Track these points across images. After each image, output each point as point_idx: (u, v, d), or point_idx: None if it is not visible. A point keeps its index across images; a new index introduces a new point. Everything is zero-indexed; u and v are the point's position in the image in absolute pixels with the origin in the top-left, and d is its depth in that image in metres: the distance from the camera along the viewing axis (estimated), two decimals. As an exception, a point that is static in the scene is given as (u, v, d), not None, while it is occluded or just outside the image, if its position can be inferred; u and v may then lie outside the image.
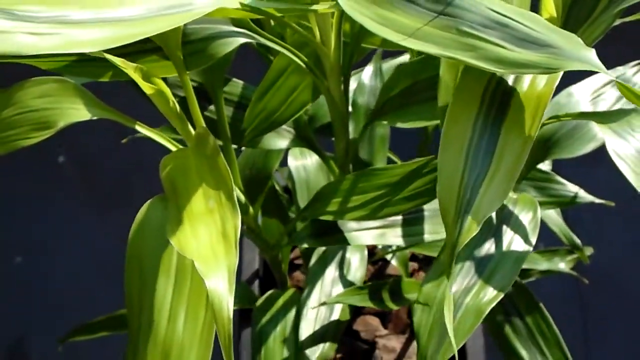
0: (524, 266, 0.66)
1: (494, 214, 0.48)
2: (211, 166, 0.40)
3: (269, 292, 0.66)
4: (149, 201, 0.43)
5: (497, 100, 0.38)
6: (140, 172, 1.10)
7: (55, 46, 0.34)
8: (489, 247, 0.45)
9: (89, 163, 1.15)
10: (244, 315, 0.72)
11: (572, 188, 0.62)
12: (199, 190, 0.39)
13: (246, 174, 0.62)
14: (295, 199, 0.67)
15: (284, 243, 0.61)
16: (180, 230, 0.36)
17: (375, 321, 0.75)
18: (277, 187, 0.71)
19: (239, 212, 0.37)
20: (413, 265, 0.77)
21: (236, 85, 0.61)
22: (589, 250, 0.74)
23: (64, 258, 1.09)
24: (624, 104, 0.60)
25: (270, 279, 0.74)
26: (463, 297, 0.43)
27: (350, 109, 0.66)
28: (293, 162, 0.67)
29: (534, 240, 0.46)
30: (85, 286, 1.06)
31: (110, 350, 0.85)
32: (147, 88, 0.44)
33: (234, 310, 0.71)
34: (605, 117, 0.44)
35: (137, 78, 0.43)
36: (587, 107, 0.58)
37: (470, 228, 0.36)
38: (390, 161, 0.73)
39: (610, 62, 0.51)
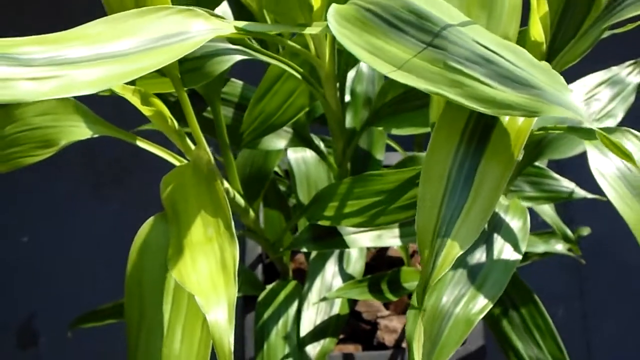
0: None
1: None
2: (210, 192, 0.42)
3: (271, 285, 0.68)
4: (149, 220, 0.44)
5: (478, 132, 0.39)
6: (136, 157, 1.12)
7: (54, 91, 0.36)
8: (480, 254, 0.47)
9: (89, 146, 1.17)
10: (248, 300, 0.74)
11: (565, 183, 0.63)
12: (198, 217, 0.41)
13: (246, 171, 0.64)
14: (296, 193, 0.68)
15: (284, 245, 0.63)
16: (181, 261, 0.38)
17: (377, 302, 0.77)
18: (279, 171, 0.73)
19: (236, 241, 0.39)
20: (413, 246, 0.79)
21: (235, 85, 0.62)
22: (586, 230, 0.76)
23: (68, 238, 1.11)
24: (617, 103, 0.61)
25: (273, 263, 0.76)
26: (453, 307, 0.45)
27: (348, 97, 0.67)
28: (292, 155, 0.69)
29: (523, 248, 0.48)
30: (89, 266, 1.09)
31: (115, 330, 0.87)
32: (145, 110, 0.45)
33: (238, 297, 0.73)
34: (590, 134, 0.45)
35: (135, 102, 0.45)
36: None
37: (443, 265, 0.37)
38: (389, 148, 0.75)
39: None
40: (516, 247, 0.47)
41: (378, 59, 0.39)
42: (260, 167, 0.64)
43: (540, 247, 0.72)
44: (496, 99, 0.36)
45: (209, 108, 0.61)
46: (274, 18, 0.55)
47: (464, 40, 0.38)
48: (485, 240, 0.47)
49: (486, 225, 0.49)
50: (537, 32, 0.45)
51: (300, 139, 0.62)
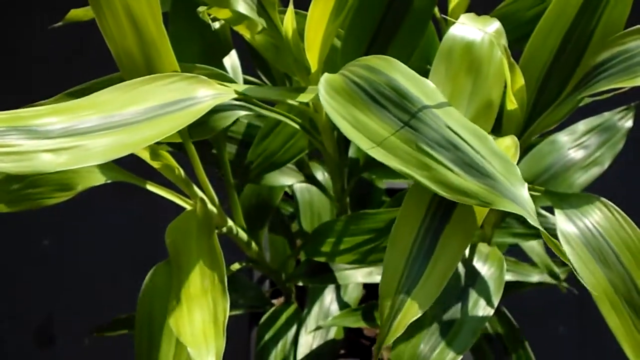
0: (517, 279, 0.74)
1: (462, 272, 0.54)
2: (209, 245, 0.47)
3: (273, 308, 0.73)
4: (155, 266, 0.50)
5: (442, 208, 0.44)
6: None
7: (69, 162, 0.41)
8: (454, 309, 0.52)
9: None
10: (254, 316, 0.80)
11: (552, 220, 0.68)
12: (197, 268, 0.46)
13: (252, 202, 0.69)
14: (299, 220, 0.74)
15: (288, 271, 0.68)
16: (179, 312, 0.44)
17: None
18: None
19: (227, 295, 0.44)
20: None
21: (240, 124, 0.67)
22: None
23: (89, 241, 1.17)
24: (605, 150, 0.66)
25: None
26: (430, 354, 0.50)
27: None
28: (297, 184, 0.74)
29: (496, 301, 0.53)
30: (108, 269, 1.15)
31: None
32: (155, 164, 0.51)
33: (246, 313, 0.79)
34: (562, 200, 0.50)
35: (145, 156, 0.51)
36: (569, 155, 0.64)
37: (397, 329, 0.42)
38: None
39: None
40: (489, 301, 0.52)
41: (360, 134, 0.44)
42: (265, 200, 0.69)
43: (535, 277, 0.77)
44: (457, 186, 0.41)
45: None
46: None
47: (437, 124, 0.43)
48: (460, 294, 0.52)
49: (463, 278, 0.54)
50: (512, 105, 0.50)
51: (303, 176, 0.67)
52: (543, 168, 0.64)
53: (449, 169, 0.41)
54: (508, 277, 0.72)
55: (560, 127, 0.66)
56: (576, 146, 0.65)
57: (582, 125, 0.66)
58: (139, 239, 1.16)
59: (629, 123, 0.66)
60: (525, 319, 1.03)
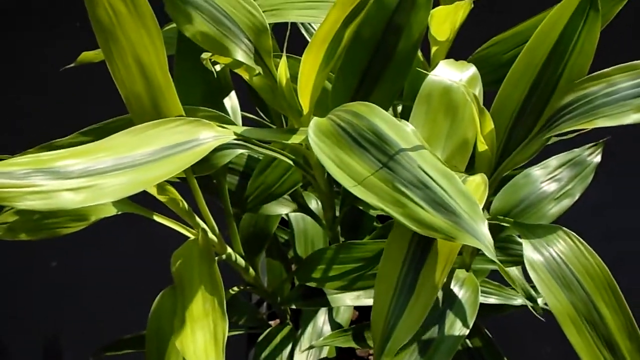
0: (501, 302, 0.79)
1: (441, 296, 0.60)
2: (209, 272, 0.53)
3: (269, 329, 0.79)
4: (163, 291, 0.56)
5: (421, 245, 0.51)
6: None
7: (87, 200, 0.47)
8: (433, 329, 0.58)
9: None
10: (252, 336, 0.86)
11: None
12: (199, 293, 0.52)
13: (250, 231, 0.76)
14: (294, 247, 0.80)
15: (284, 294, 0.74)
16: (183, 332, 0.50)
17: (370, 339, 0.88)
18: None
19: (226, 317, 0.50)
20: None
21: (241, 156, 0.74)
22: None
23: (96, 262, 1.23)
24: (576, 183, 0.72)
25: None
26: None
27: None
28: (293, 214, 0.80)
29: (471, 322, 0.58)
30: (114, 289, 1.21)
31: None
32: (162, 198, 0.57)
33: (244, 334, 0.85)
34: (529, 231, 0.56)
35: (153, 191, 0.57)
36: (542, 188, 0.70)
37: (390, 352, 0.49)
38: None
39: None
40: (464, 322, 0.58)
41: (343, 173, 0.50)
42: (262, 228, 0.75)
43: (518, 301, 0.83)
44: (427, 222, 0.47)
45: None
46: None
47: (411, 165, 0.49)
48: (439, 316, 0.58)
49: (441, 301, 0.60)
50: (483, 146, 0.56)
51: (298, 206, 0.73)
52: (518, 200, 0.70)
53: (420, 206, 0.47)
54: (492, 300, 0.78)
55: (535, 162, 0.73)
56: (549, 179, 0.71)
57: (554, 160, 0.72)
58: (143, 263, 1.22)
59: (597, 158, 0.72)
60: (511, 340, 1.09)
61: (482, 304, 0.79)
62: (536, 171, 0.71)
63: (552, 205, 0.70)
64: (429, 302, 0.50)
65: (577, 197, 0.71)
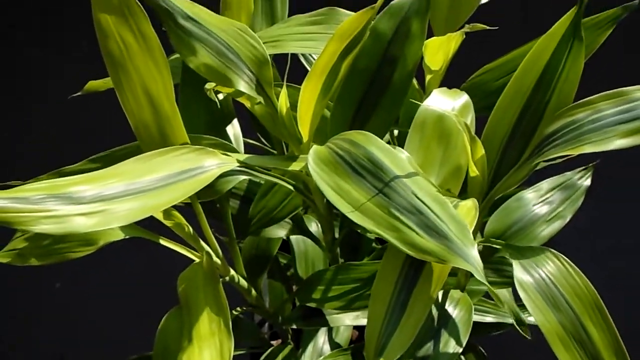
0: (497, 320, 0.82)
1: (436, 315, 0.63)
2: (214, 294, 0.56)
3: (271, 348, 0.82)
4: (169, 312, 0.59)
5: (414, 266, 0.53)
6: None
7: (98, 224, 0.50)
8: (428, 347, 0.60)
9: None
10: (255, 355, 0.89)
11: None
12: (205, 313, 0.55)
13: (252, 253, 0.78)
14: (295, 268, 0.83)
15: (285, 314, 0.77)
16: (191, 351, 0.53)
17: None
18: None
19: (232, 337, 0.53)
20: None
21: (243, 182, 0.76)
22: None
23: (102, 283, 1.26)
24: (567, 206, 0.75)
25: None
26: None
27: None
28: (294, 236, 0.83)
29: (464, 341, 0.61)
30: (118, 310, 1.24)
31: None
32: (168, 223, 0.60)
33: (247, 353, 0.88)
34: (519, 253, 0.59)
35: (159, 217, 0.60)
36: (534, 210, 0.73)
37: None
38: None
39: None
40: (458, 341, 0.61)
41: (341, 199, 0.53)
42: (264, 250, 0.78)
43: (511, 319, 0.85)
44: (420, 246, 0.50)
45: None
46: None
47: (406, 192, 0.52)
48: (434, 335, 0.61)
49: (436, 320, 0.63)
50: (474, 172, 0.59)
51: (298, 229, 0.76)
52: (511, 222, 0.73)
53: (414, 231, 0.50)
54: (489, 318, 0.81)
55: (527, 185, 0.76)
56: (541, 202, 0.74)
57: (546, 184, 0.75)
58: (148, 284, 1.25)
59: (587, 182, 0.75)
60: (506, 358, 1.12)
61: (478, 322, 0.83)
62: (528, 194, 0.74)
63: (543, 227, 0.73)
64: (420, 320, 0.52)
65: (568, 219, 0.74)
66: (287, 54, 0.70)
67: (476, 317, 0.81)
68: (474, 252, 0.49)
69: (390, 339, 0.52)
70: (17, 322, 1.25)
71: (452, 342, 0.61)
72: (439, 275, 0.53)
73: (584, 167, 0.77)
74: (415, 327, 0.52)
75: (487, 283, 0.50)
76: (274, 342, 0.88)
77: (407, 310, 0.53)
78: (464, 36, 0.68)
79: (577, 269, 0.59)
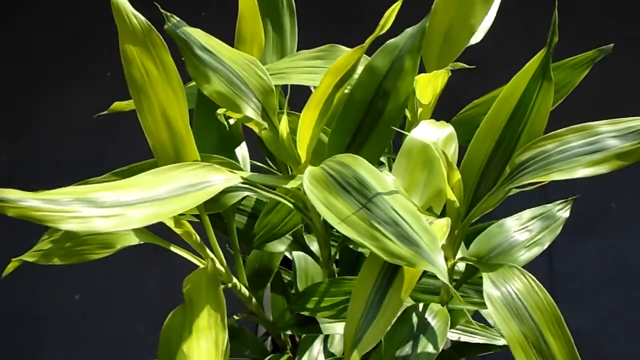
0: (485, 342, 0.90)
1: (415, 322, 0.71)
2: (215, 295, 0.64)
3: (269, 357, 0.90)
4: (174, 309, 0.67)
5: (389, 272, 0.62)
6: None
7: (116, 226, 0.58)
8: (407, 348, 0.68)
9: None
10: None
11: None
12: (205, 310, 0.63)
13: (255, 267, 0.87)
14: (295, 283, 0.91)
15: (279, 327, 0.85)
16: (190, 341, 0.61)
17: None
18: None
19: (226, 330, 0.61)
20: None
21: (250, 199, 0.85)
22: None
23: (115, 297, 1.35)
24: (545, 234, 0.82)
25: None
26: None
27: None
28: (296, 253, 0.91)
29: (441, 346, 0.69)
30: (132, 321, 1.32)
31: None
32: (177, 230, 0.69)
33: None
34: (490, 269, 0.67)
35: (170, 224, 0.68)
36: (514, 237, 0.81)
37: (355, 357, 0.59)
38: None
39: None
40: (435, 346, 0.68)
41: (330, 213, 0.61)
42: (266, 264, 0.87)
43: (501, 341, 0.92)
44: (394, 252, 0.58)
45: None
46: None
47: (386, 207, 0.60)
48: (414, 338, 0.69)
49: (415, 327, 0.71)
50: (451, 196, 0.67)
51: (298, 245, 0.84)
52: (493, 246, 0.80)
53: (390, 240, 0.58)
54: (477, 340, 0.89)
55: (510, 214, 0.84)
56: (521, 229, 0.82)
57: (527, 213, 0.83)
58: (161, 298, 1.33)
59: (566, 214, 0.83)
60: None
61: (468, 343, 0.90)
62: (510, 222, 0.82)
63: (523, 252, 0.81)
64: (392, 318, 0.60)
65: (546, 246, 0.82)
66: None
67: (465, 338, 0.89)
68: (440, 259, 0.57)
69: (364, 333, 0.60)
70: (31, 329, 1.33)
71: (430, 346, 0.68)
72: (409, 280, 0.61)
73: (563, 200, 0.85)
74: (386, 325, 0.60)
75: (449, 284, 0.58)
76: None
77: (381, 311, 0.61)
78: (450, 74, 0.76)
79: (541, 285, 0.66)
